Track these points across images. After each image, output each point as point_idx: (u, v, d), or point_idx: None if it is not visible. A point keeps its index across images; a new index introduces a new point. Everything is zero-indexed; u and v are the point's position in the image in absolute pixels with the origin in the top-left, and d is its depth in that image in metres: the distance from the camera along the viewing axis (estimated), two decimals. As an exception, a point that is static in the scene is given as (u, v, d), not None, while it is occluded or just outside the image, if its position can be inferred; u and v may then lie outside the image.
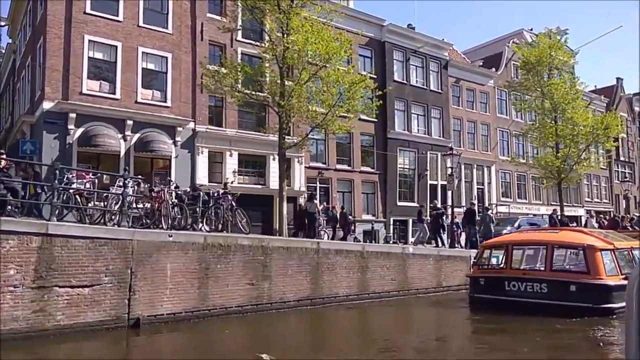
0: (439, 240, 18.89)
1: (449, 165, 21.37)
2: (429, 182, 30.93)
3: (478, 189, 34.40)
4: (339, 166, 27.70)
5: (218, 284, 11.37)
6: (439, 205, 21.09)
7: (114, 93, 20.57)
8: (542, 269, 13.89)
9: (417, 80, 31.57)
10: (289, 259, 12.59)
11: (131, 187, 11.31)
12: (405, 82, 30.74)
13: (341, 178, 27.83)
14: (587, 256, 13.25)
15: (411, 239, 29.70)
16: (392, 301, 14.59)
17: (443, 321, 13.34)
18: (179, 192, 12.84)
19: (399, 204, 29.56)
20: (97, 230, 10.03)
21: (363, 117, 28.88)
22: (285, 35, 15.99)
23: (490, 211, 24.18)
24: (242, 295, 11.75)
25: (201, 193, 13.32)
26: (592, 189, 42.80)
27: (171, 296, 10.72)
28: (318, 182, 26.87)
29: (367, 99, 29.16)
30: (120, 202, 10.88)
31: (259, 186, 24.76)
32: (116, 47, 20.73)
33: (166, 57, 22.01)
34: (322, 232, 18.93)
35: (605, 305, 12.39)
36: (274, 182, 25.25)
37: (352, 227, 22.17)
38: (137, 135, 20.83)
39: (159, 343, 9.93)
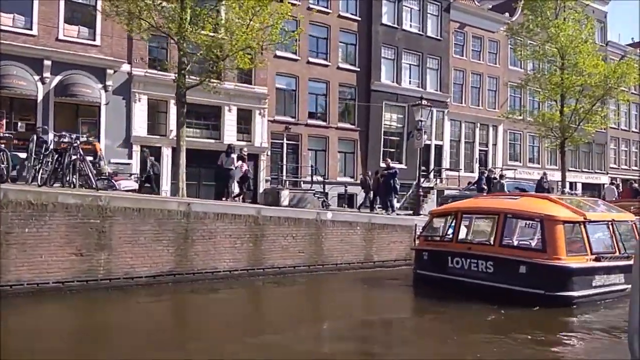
0: (388, 204, 15.90)
1: (417, 118, 18.09)
2: (421, 141, 27.42)
3: (481, 151, 30.61)
4: (310, 121, 24.49)
5: (25, 253, 8.74)
6: (391, 164, 17.87)
7: (30, 29, 18.02)
8: (491, 243, 11.04)
9: (411, 25, 27.60)
10: (141, 223, 9.80)
11: None
12: (396, 26, 26.86)
13: (313, 134, 24.68)
14: (545, 229, 10.33)
15: (396, 205, 26.53)
16: (298, 278, 11.71)
17: (343, 304, 10.40)
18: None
19: (383, 165, 26.22)
20: None
21: (343, 65, 25.67)
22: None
23: (504, 178, 21.56)
24: (64, 268, 9.09)
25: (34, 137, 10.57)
26: (620, 155, 38.16)
27: (-54, 267, 8.16)
28: (285, 139, 23.86)
29: (349, 44, 26.14)
30: None
31: (212, 141, 21.94)
32: (33, -26, 18.03)
33: (95, -12, 19.17)
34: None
35: (561, 293, 9.67)
36: (229, 136, 22.44)
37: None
38: (58, 78, 18.33)
39: None
